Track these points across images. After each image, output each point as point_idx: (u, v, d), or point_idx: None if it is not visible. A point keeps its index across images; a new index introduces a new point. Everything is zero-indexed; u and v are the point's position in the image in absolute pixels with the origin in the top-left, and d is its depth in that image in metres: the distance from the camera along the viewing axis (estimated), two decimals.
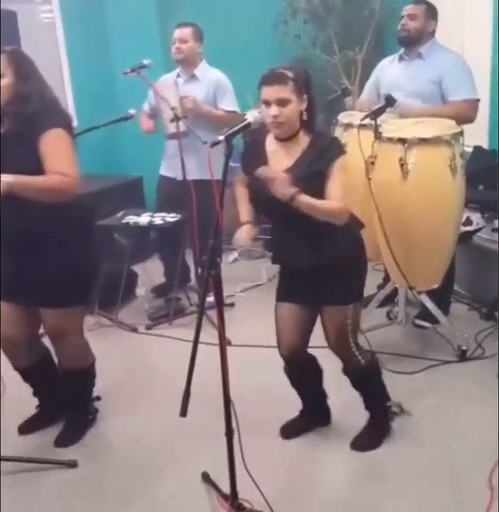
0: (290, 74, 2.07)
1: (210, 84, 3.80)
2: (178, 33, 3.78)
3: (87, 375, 2.67)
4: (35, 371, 2.64)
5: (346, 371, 2.46)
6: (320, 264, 2.25)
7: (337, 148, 2.16)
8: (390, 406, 2.57)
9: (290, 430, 2.62)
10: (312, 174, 2.12)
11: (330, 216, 2.13)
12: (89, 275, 2.54)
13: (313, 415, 2.65)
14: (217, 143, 1.90)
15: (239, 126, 1.96)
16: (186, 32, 3.77)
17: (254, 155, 2.27)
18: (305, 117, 2.14)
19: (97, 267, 2.60)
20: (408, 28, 3.28)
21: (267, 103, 2.08)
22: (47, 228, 2.35)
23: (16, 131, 2.29)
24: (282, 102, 2.06)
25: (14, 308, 2.47)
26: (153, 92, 3.78)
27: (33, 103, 2.29)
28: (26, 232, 2.34)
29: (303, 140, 2.18)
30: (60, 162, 2.27)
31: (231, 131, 1.92)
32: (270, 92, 2.07)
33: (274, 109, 2.07)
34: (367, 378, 2.47)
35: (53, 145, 2.27)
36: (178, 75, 3.89)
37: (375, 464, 2.43)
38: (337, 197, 2.12)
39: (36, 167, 2.26)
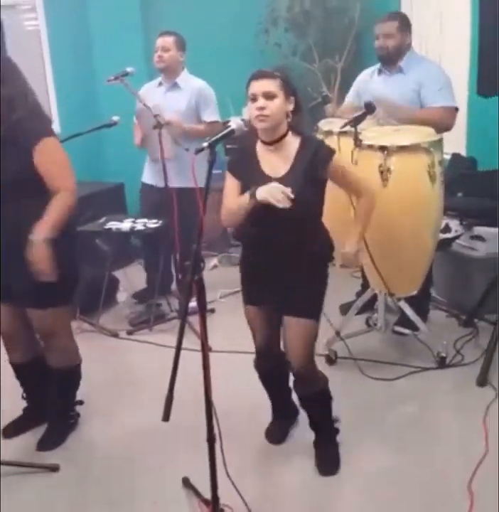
0: (278, 73, 2.13)
1: (192, 93, 3.81)
2: (160, 41, 3.79)
3: (72, 375, 2.69)
4: (28, 368, 2.68)
5: (303, 388, 2.38)
6: (299, 266, 2.24)
7: (327, 150, 2.20)
8: (335, 421, 2.52)
9: (275, 434, 2.64)
10: (309, 180, 2.15)
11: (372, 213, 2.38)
12: (72, 276, 2.57)
13: (282, 411, 2.66)
14: (201, 150, 1.91)
15: (222, 133, 1.96)
16: (168, 41, 3.79)
17: (244, 161, 2.26)
18: (290, 119, 2.16)
19: (78, 269, 2.63)
20: (385, 46, 3.31)
21: (254, 97, 2.10)
22: (31, 232, 2.36)
23: (3, 136, 2.30)
24: (269, 96, 2.08)
25: (6, 306, 2.53)
26: (137, 103, 3.78)
27: (17, 108, 2.31)
28: (12, 235, 2.35)
29: (292, 144, 2.18)
30: (61, 176, 2.37)
31: (215, 138, 1.93)
32: (258, 86, 2.10)
33: (260, 102, 2.09)
34: (325, 394, 2.42)
35: (51, 157, 2.34)
36: (160, 84, 3.91)
37: (356, 469, 2.45)
38: (361, 185, 2.34)
39: (26, 173, 2.31)
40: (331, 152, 2.20)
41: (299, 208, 2.10)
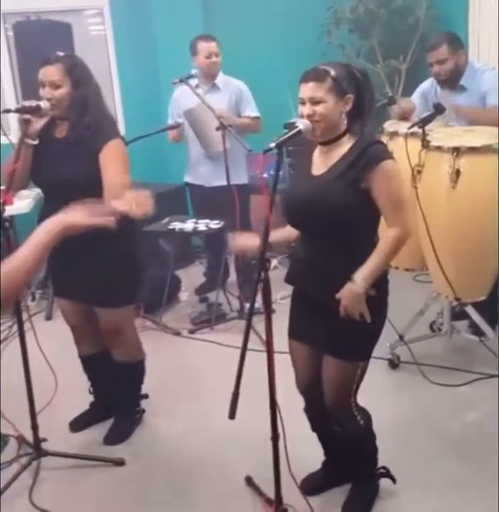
0: (332, 71, 1.92)
1: (232, 92, 3.96)
2: (213, 46, 3.90)
3: (137, 369, 2.76)
4: (95, 361, 2.76)
5: (342, 433, 2.14)
6: (332, 300, 1.96)
7: (375, 154, 1.92)
8: (378, 469, 2.27)
9: (311, 485, 2.31)
10: (347, 183, 1.93)
11: (393, 256, 1.96)
12: (138, 276, 2.64)
13: (335, 467, 2.35)
14: (269, 150, 1.91)
15: (290, 134, 1.93)
16: (216, 46, 3.92)
17: (303, 160, 2.16)
18: (344, 121, 1.97)
19: (143, 268, 2.71)
20: (443, 72, 3.30)
21: (302, 101, 1.96)
22: (100, 232, 2.42)
23: (75, 138, 2.37)
24: (315, 101, 1.93)
25: (73, 302, 2.61)
26: (185, 114, 3.83)
27: (90, 111, 2.38)
28: (81, 236, 2.41)
29: (346, 145, 1.99)
30: (118, 173, 2.36)
31: (282, 138, 1.90)
32: (304, 90, 1.95)
33: (306, 108, 1.94)
34: (363, 441, 2.18)
35: (111, 157, 2.38)
36: (197, 85, 3.95)
37: (419, 477, 2.41)
38: (390, 219, 1.92)
39: (94, 173, 2.36)
40: (378, 158, 1.91)
41: (330, 212, 1.94)
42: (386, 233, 1.97)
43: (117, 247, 2.43)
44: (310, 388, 2.19)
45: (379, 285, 2.02)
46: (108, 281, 2.43)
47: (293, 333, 2.18)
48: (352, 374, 2.06)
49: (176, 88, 4.00)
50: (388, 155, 1.96)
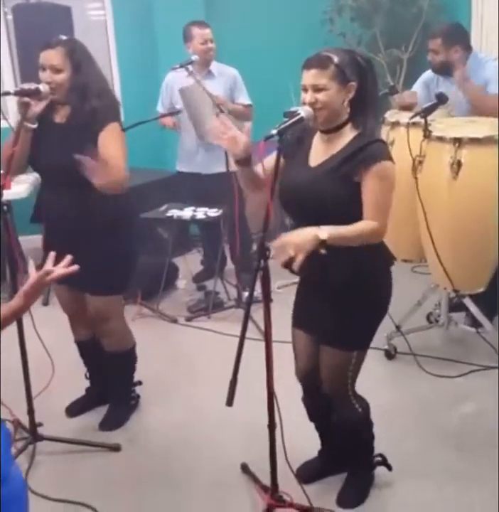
0: (335, 58, 1.88)
1: (227, 80, 3.96)
2: (208, 32, 3.87)
3: (128, 358, 2.75)
4: (90, 346, 2.76)
5: (339, 420, 2.17)
6: (331, 287, 1.98)
7: (374, 153, 1.88)
8: (374, 456, 2.28)
9: (307, 473, 2.32)
10: (339, 177, 1.91)
11: (364, 240, 1.90)
12: (129, 265, 2.63)
13: (331, 456, 2.36)
14: (271, 136, 1.89)
15: (291, 121, 1.90)
16: (210, 32, 3.89)
17: (296, 145, 2.09)
18: (347, 109, 1.92)
19: (135, 258, 2.68)
20: (434, 62, 3.41)
21: (304, 88, 1.93)
22: (96, 219, 2.42)
23: (76, 123, 2.36)
24: (317, 89, 1.89)
25: (67, 289, 2.61)
26: (181, 92, 3.80)
27: (90, 96, 2.36)
28: (77, 222, 2.41)
29: (347, 136, 1.95)
30: (114, 155, 2.34)
31: (284, 125, 1.88)
32: (306, 77, 1.91)
33: (308, 95, 1.91)
34: (361, 428, 2.20)
35: (109, 138, 2.36)
36: (192, 73, 3.91)
37: (415, 467, 2.42)
38: (369, 215, 1.87)
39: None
40: (375, 157, 1.87)
41: (323, 203, 1.92)
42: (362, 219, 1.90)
43: (112, 236, 2.44)
44: (308, 376, 2.20)
45: (382, 277, 2.02)
46: (98, 268, 2.41)
47: (295, 321, 2.19)
48: (347, 362, 2.06)
49: (167, 74, 3.96)
50: (386, 155, 1.91)
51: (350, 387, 2.12)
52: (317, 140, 2.06)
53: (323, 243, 1.81)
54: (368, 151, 1.89)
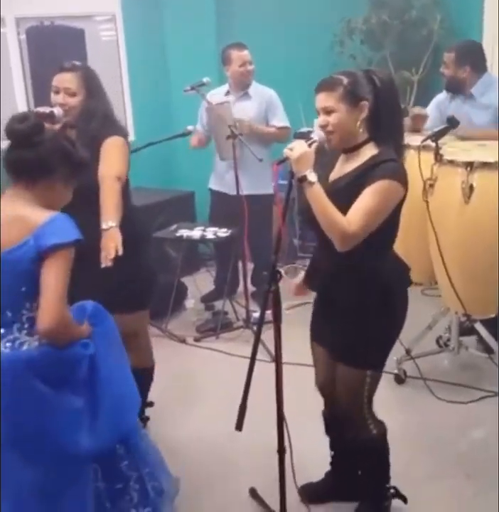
0: (344, 80, 1.91)
1: (262, 102, 3.93)
2: (247, 54, 3.87)
3: (145, 376, 2.74)
4: None
5: (354, 441, 2.13)
6: (346, 304, 2.00)
7: (382, 171, 1.87)
8: (389, 488, 2.21)
9: (311, 493, 2.29)
10: (348, 194, 1.90)
11: (329, 229, 1.87)
12: (151, 281, 2.65)
13: (339, 478, 2.31)
14: (283, 161, 1.91)
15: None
16: (248, 53, 3.89)
17: (326, 167, 2.10)
18: (361, 128, 1.93)
19: (155, 273, 2.71)
20: (444, 74, 3.44)
21: (317, 112, 1.97)
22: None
23: (81, 144, 2.37)
24: (327, 111, 1.92)
25: None
26: (207, 110, 3.85)
27: (96, 119, 2.41)
28: (92, 241, 2.41)
29: (365, 155, 1.95)
30: (114, 166, 2.35)
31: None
32: (318, 101, 1.95)
33: (321, 119, 1.94)
34: (376, 452, 2.15)
35: (112, 148, 2.38)
36: (228, 92, 3.96)
37: (426, 495, 2.38)
38: (352, 220, 1.85)
39: (92, 179, 2.33)
40: (381, 175, 1.86)
41: None
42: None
43: (132, 253, 2.43)
44: (326, 387, 2.20)
45: (398, 296, 2.02)
46: (123, 286, 2.42)
47: (312, 333, 2.21)
48: (361, 381, 2.04)
49: (210, 92, 3.92)
50: (393, 175, 1.88)
51: (365, 407, 2.10)
52: (340, 159, 2.08)
53: (304, 178, 1.86)
54: (376, 170, 1.88)
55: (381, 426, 2.15)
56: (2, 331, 1.72)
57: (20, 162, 1.75)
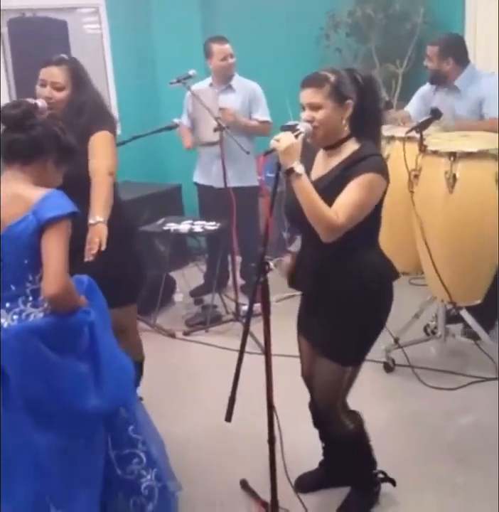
0: (331, 77, 1.93)
1: (245, 95, 3.94)
2: (227, 48, 3.87)
3: (139, 369, 2.73)
4: None
5: (334, 436, 2.19)
6: (330, 300, 2.01)
7: (365, 165, 1.90)
8: (376, 473, 2.26)
9: (306, 483, 2.34)
10: (333, 191, 1.92)
11: (316, 221, 1.89)
12: (138, 274, 2.65)
13: (332, 467, 2.36)
14: (271, 151, 1.92)
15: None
16: (229, 47, 3.89)
17: (304, 163, 2.08)
18: (345, 126, 1.95)
19: (143, 267, 2.71)
20: (428, 67, 3.50)
21: (302, 106, 1.98)
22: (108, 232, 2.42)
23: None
24: (314, 107, 1.93)
25: None
26: (192, 102, 3.85)
27: (85, 112, 2.40)
28: (83, 237, 2.41)
29: (346, 151, 1.98)
30: (104, 159, 2.37)
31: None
32: (303, 96, 1.96)
33: (306, 114, 1.95)
34: (356, 445, 2.18)
35: (101, 142, 2.39)
36: (211, 85, 3.96)
37: (417, 481, 2.41)
38: (339, 211, 1.87)
39: (84, 171, 2.34)
40: (364, 169, 1.89)
41: None
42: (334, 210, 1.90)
43: (120, 246, 2.43)
44: (311, 379, 2.21)
45: (382, 292, 2.03)
46: (111, 280, 2.42)
47: (298, 327, 2.23)
48: (340, 377, 2.06)
49: (194, 86, 3.90)
50: (377, 169, 1.92)
51: (339, 403, 2.12)
52: (319, 155, 2.10)
53: (291, 171, 1.87)
54: (361, 164, 1.91)
55: (356, 417, 2.17)
56: (8, 304, 1.82)
57: (14, 144, 1.85)
